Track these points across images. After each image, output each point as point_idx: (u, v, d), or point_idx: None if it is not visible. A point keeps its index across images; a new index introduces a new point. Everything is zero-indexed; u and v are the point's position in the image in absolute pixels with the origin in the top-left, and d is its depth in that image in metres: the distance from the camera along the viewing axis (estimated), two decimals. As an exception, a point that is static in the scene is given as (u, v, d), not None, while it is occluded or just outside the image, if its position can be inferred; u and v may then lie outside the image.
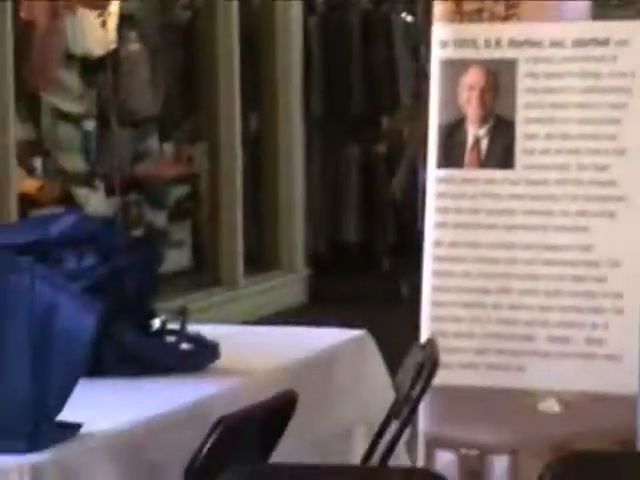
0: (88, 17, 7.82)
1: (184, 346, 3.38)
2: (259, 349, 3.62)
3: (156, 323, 3.35)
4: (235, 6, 8.51)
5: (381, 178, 8.36)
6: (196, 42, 8.67)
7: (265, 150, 8.83)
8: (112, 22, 7.81)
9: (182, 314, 3.36)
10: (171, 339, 3.38)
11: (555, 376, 3.79)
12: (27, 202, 7.24)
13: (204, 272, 8.28)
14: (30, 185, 7.55)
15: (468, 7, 3.78)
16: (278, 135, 8.61)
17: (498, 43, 3.87)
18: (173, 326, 3.37)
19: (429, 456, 3.96)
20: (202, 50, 8.52)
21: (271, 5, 8.83)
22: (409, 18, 8.76)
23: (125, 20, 8.03)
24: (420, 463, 3.94)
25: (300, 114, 8.66)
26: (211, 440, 2.84)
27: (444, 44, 3.91)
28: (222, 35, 8.30)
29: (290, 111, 8.61)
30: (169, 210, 8.25)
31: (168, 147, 8.65)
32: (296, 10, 9.03)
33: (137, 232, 7.78)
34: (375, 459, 3.40)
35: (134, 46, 8.24)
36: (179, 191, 8.38)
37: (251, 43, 8.80)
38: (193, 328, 3.42)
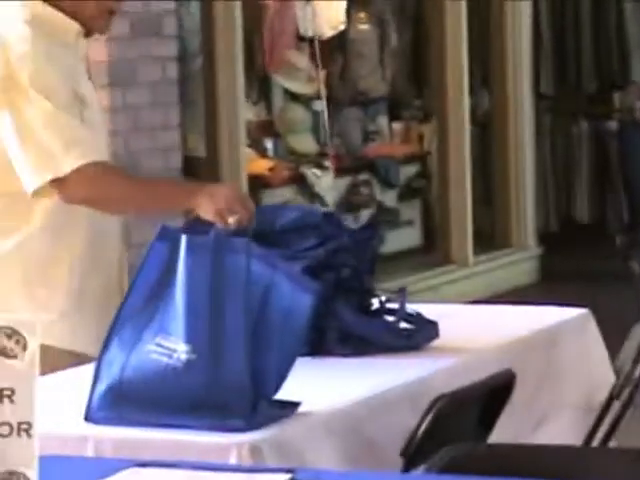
0: (318, -2, 8.01)
1: (403, 325, 3.38)
2: (479, 328, 3.58)
3: (375, 303, 3.35)
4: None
5: (613, 156, 7.97)
6: (424, 21, 8.70)
7: (495, 129, 8.79)
8: (342, 3, 8.09)
9: (401, 294, 3.35)
10: (390, 318, 3.34)
11: None
12: (258, 183, 7.34)
13: (434, 251, 8.29)
14: (261, 166, 7.62)
15: None
16: (508, 113, 8.63)
17: None
18: (392, 306, 3.35)
19: None
20: (431, 29, 8.50)
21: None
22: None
23: (354, 0, 8.18)
24: None
25: (530, 92, 8.65)
26: (428, 419, 2.81)
27: None
28: (450, 13, 8.21)
29: (520, 89, 8.61)
30: (399, 189, 8.30)
31: (397, 126, 8.74)
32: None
33: (367, 212, 7.95)
34: (597, 440, 3.34)
35: (363, 26, 8.46)
36: (409, 170, 8.47)
37: (480, 21, 8.72)
38: (412, 307, 3.41)
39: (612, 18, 8.73)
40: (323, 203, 7.69)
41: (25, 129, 3.42)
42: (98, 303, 3.66)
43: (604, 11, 8.70)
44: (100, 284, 3.74)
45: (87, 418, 2.73)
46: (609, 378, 3.54)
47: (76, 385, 2.96)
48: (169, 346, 2.72)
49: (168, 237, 2.81)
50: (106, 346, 2.77)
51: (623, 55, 8.59)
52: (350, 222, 6.94)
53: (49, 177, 3.40)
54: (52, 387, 2.94)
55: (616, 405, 3.35)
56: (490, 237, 8.70)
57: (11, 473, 2.06)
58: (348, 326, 3.24)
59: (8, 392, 2.04)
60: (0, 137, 3.41)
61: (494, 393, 3.03)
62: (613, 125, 8.17)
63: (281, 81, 7.65)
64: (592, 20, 8.73)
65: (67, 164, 3.47)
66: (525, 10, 8.67)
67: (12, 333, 2.05)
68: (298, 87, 7.75)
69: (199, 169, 6.94)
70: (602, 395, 3.46)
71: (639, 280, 3.88)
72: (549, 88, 8.65)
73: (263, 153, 7.59)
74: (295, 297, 2.76)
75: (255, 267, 2.76)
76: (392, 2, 8.64)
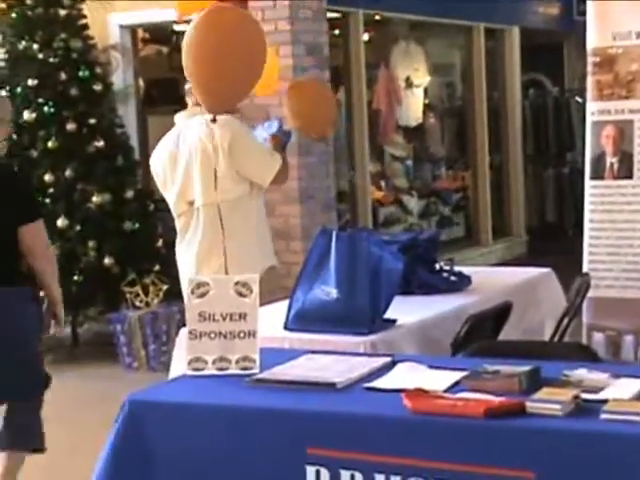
0: None
1: (452, 278, 4.29)
2: (493, 279, 4.60)
3: (437, 266, 4.33)
4: None
5: (566, 186, 12.25)
6: (463, 113, 11.53)
7: (503, 173, 12.04)
8: (420, 107, 10.72)
9: (451, 261, 4.37)
10: (445, 274, 4.30)
11: None
12: (377, 204, 10.25)
13: (470, 238, 11.41)
14: (378, 195, 10.54)
15: (605, 92, 5.01)
16: (509, 165, 11.98)
17: (623, 111, 5.04)
18: (446, 268, 4.33)
19: (588, 336, 5.09)
20: (466, 117, 11.43)
21: None
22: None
23: (426, 105, 10.82)
24: (583, 341, 4.99)
25: (521, 153, 11.93)
26: (465, 327, 3.63)
27: (592, 113, 5.15)
28: (478, 106, 11.45)
29: (515, 151, 11.96)
30: (451, 206, 11.39)
31: (450, 172, 11.68)
32: None
33: (434, 219, 10.92)
34: (556, 338, 4.25)
35: (431, 119, 11.15)
36: (457, 196, 11.60)
37: (493, 113, 11.84)
38: (457, 269, 4.37)
39: (565, 112, 11.87)
40: (411, 214, 10.63)
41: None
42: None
43: (560, 108, 11.91)
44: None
45: (285, 327, 3.68)
46: (562, 304, 4.47)
47: (279, 312, 3.82)
48: (327, 290, 3.64)
49: (326, 233, 3.75)
50: (294, 291, 3.68)
51: (571, 132, 11.80)
52: (426, 225, 10.19)
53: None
54: (267, 312, 3.63)
55: (566, 319, 4.32)
56: (500, 230, 11.65)
57: (245, 357, 3.04)
58: (422, 279, 4.19)
59: (244, 315, 3.05)
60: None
61: (500, 314, 3.88)
62: (566, 170, 11.94)
63: (389, 149, 10.64)
64: (554, 113, 11.93)
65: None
66: (518, 107, 11.80)
67: (244, 284, 3.09)
68: (398, 152, 10.75)
69: (346, 197, 9.60)
70: (559, 313, 4.37)
71: (579, 254, 5.03)
72: (531, 151, 11.95)
73: (379, 187, 10.49)
74: (393, 264, 3.66)
75: (372, 248, 3.65)
76: (444, 105, 11.46)
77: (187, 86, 4.86)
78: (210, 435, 2.69)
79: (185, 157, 4.66)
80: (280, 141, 4.82)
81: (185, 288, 4.03)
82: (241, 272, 3.90)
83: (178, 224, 4.76)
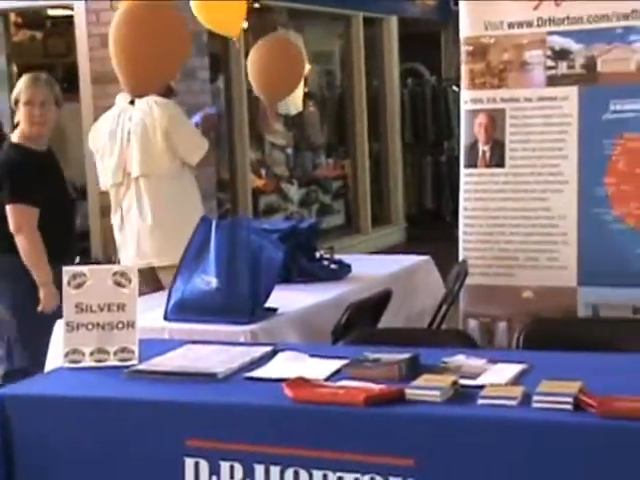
0: None
1: (332, 266, 4.33)
2: (372, 267, 4.62)
3: (317, 254, 4.36)
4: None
5: (444, 173, 12.28)
6: (342, 101, 11.72)
7: (382, 161, 12.18)
8: (300, 95, 10.59)
9: (331, 249, 4.45)
10: (325, 262, 4.34)
11: (530, 278, 4.91)
12: (257, 192, 10.26)
13: (350, 226, 11.46)
14: (259, 182, 10.42)
15: (478, 81, 4.97)
16: (388, 153, 12.14)
17: (495, 100, 5.00)
18: (326, 256, 4.37)
19: (464, 323, 5.01)
20: (346, 105, 11.59)
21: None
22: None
23: (306, 94, 10.80)
24: (460, 327, 4.91)
25: (400, 141, 12.14)
26: (345, 315, 3.66)
27: (466, 102, 5.09)
28: (357, 96, 11.64)
29: (394, 140, 12.09)
30: (332, 194, 11.50)
31: (330, 160, 11.81)
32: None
33: (314, 207, 11.01)
34: (435, 325, 4.32)
35: (311, 108, 11.16)
36: (337, 184, 11.66)
37: (373, 101, 11.94)
38: (337, 257, 4.43)
39: (442, 101, 12.08)
40: (291, 202, 10.57)
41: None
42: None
43: (438, 96, 12.12)
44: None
45: (165, 318, 3.63)
46: (441, 292, 4.55)
47: (158, 301, 3.79)
48: (207, 279, 3.59)
49: (206, 222, 3.73)
50: (174, 280, 3.66)
51: (448, 121, 11.95)
52: (306, 214, 10.06)
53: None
54: (146, 302, 3.63)
55: (444, 306, 4.38)
56: (380, 218, 11.79)
57: (123, 349, 3.00)
58: (303, 267, 4.23)
59: (122, 305, 3.02)
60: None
61: (379, 302, 3.95)
62: (443, 158, 12.05)
63: (269, 137, 10.60)
64: (432, 102, 12.15)
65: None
66: (397, 96, 11.93)
67: (122, 274, 3.04)
68: (278, 140, 10.72)
69: (227, 185, 9.38)
70: (437, 301, 4.44)
71: (457, 241, 5.05)
72: (410, 139, 12.15)
73: (260, 176, 10.39)
74: (273, 252, 3.66)
75: (252, 237, 3.64)
76: (323, 93, 11.38)
77: None
78: (88, 429, 2.64)
79: (125, 132, 5.05)
80: (212, 124, 5.37)
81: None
82: (170, 242, 4.69)
83: (112, 194, 5.14)
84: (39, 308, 4.56)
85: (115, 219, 5.08)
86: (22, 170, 4.71)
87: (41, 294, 4.57)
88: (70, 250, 4.80)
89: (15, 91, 4.85)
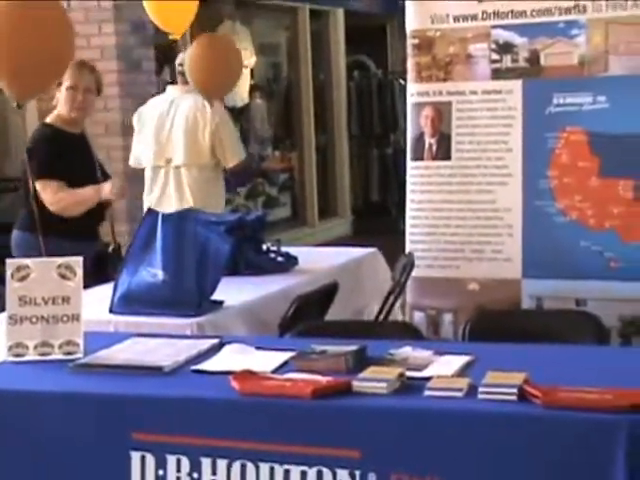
0: None
1: (279, 259, 4.34)
2: (319, 259, 4.66)
3: (264, 247, 4.36)
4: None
5: (390, 165, 12.28)
6: (290, 95, 11.58)
7: (328, 154, 12.20)
8: (245, 87, 10.44)
9: (278, 242, 4.44)
10: (272, 255, 4.35)
11: (475, 270, 4.93)
12: None
13: (297, 219, 11.41)
14: None
15: (424, 74, 4.99)
16: (335, 146, 12.16)
17: (441, 93, 5.02)
18: (273, 248, 4.39)
19: (411, 315, 5.03)
20: (294, 99, 11.56)
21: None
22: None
23: (252, 87, 10.72)
24: (407, 319, 4.93)
25: (346, 133, 12.18)
26: (292, 308, 3.70)
27: (412, 94, 5.09)
28: (305, 88, 11.55)
29: (340, 132, 12.12)
30: (278, 187, 11.48)
31: (277, 153, 11.70)
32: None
33: (262, 199, 10.98)
34: (381, 317, 4.37)
35: (258, 100, 11.19)
36: (284, 176, 11.64)
37: (320, 94, 11.95)
38: (284, 249, 4.43)
39: (388, 93, 12.07)
40: (238, 195, 10.35)
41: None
42: None
43: (384, 89, 12.11)
44: None
45: (110, 311, 3.60)
46: (388, 284, 4.55)
47: (104, 294, 3.76)
48: (153, 272, 3.58)
49: (152, 214, 3.72)
50: (120, 273, 3.63)
51: (394, 113, 11.97)
52: (253, 206, 10.06)
53: None
54: (92, 295, 3.64)
55: (391, 298, 4.44)
56: (326, 210, 11.84)
57: (68, 342, 2.98)
58: (250, 259, 4.24)
59: (67, 298, 2.99)
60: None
61: (327, 294, 4.01)
62: (390, 150, 12.12)
63: None
64: (378, 94, 12.11)
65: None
66: (343, 89, 11.98)
67: (67, 267, 3.01)
68: None
69: None
70: (384, 293, 4.47)
71: (403, 234, 5.00)
72: (356, 132, 12.16)
73: None
74: (220, 245, 3.64)
75: (199, 229, 3.63)
76: (270, 85, 11.31)
77: (178, 67, 5.61)
78: (32, 423, 2.62)
79: (172, 121, 5.47)
80: None
81: None
82: None
83: (148, 175, 5.57)
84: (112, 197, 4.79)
85: (149, 198, 5.47)
86: (50, 148, 4.74)
87: (105, 194, 4.73)
88: (93, 231, 4.86)
89: None
